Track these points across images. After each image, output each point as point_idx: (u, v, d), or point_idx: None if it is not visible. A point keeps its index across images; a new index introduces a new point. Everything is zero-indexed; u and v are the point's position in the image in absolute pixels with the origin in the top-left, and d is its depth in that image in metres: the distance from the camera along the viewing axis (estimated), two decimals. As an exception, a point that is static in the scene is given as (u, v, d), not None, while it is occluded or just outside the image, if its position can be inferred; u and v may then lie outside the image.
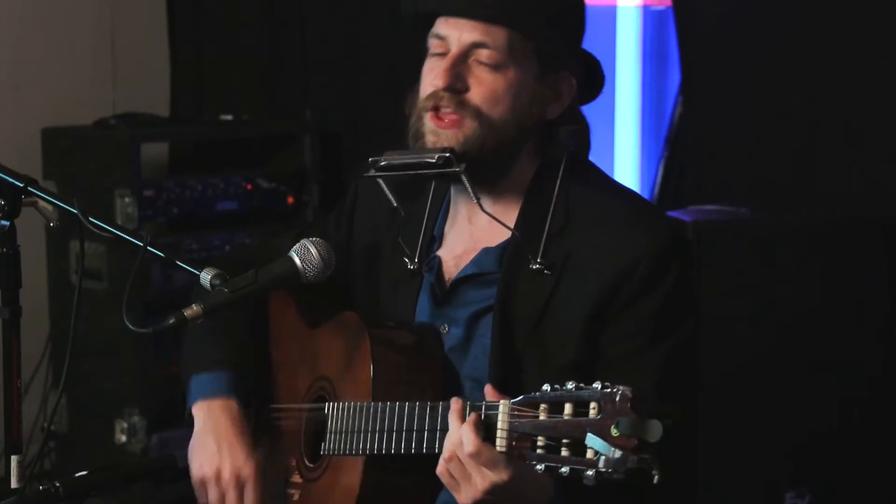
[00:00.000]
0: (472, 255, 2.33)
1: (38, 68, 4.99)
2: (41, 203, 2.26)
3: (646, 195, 4.28)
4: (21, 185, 2.22)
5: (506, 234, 2.28)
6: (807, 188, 3.96)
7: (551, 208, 2.26)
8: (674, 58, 4.23)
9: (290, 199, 4.87)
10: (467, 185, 2.23)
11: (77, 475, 2.24)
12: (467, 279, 2.32)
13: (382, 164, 2.29)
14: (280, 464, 2.43)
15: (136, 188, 4.50)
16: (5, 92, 4.91)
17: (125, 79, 5.22)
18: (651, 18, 4.29)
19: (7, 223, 2.21)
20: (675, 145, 4.24)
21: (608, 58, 4.26)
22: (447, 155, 2.20)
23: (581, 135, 2.35)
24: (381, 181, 2.32)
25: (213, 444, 2.35)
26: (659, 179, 4.26)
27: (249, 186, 4.80)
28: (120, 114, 4.90)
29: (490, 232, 2.30)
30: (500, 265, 2.28)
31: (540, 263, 2.23)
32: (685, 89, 4.20)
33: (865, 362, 3.57)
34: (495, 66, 2.23)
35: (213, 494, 2.34)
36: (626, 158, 4.29)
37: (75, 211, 2.22)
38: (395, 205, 2.35)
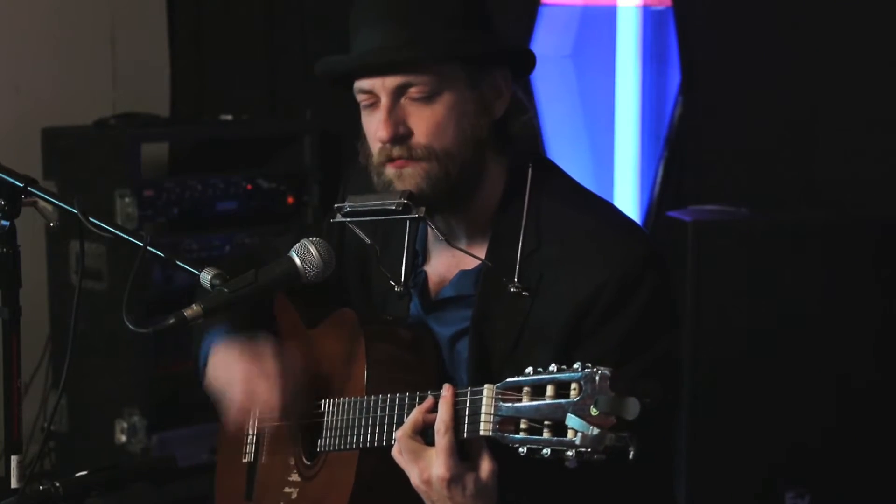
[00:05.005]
0: (452, 275, 2.33)
1: (38, 68, 5.00)
2: (41, 203, 2.26)
3: (646, 195, 4.28)
4: (21, 185, 2.23)
5: (482, 256, 2.27)
6: (807, 188, 3.97)
7: (521, 231, 2.25)
8: (674, 58, 4.23)
9: (290, 199, 4.88)
10: (431, 226, 2.24)
11: (77, 475, 2.25)
12: (447, 301, 2.33)
13: (347, 209, 2.29)
14: (279, 463, 2.44)
15: (136, 188, 4.51)
16: (5, 92, 4.92)
17: (125, 79, 5.22)
18: (651, 18, 4.29)
19: (7, 223, 2.22)
20: (675, 145, 4.24)
21: (608, 58, 4.26)
22: (405, 202, 2.19)
23: (531, 123, 2.34)
24: (351, 224, 2.33)
25: (225, 379, 2.34)
26: (659, 179, 4.26)
27: (249, 186, 4.80)
28: (120, 114, 4.90)
29: (466, 254, 2.29)
30: (476, 288, 2.28)
31: (517, 286, 2.22)
32: (685, 89, 4.20)
33: (865, 362, 3.57)
34: (429, 98, 2.19)
35: (243, 405, 2.32)
36: (626, 158, 4.28)
37: (75, 211, 2.22)
38: (369, 242, 2.36)
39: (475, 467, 2.04)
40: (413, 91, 2.19)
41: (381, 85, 2.20)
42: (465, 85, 2.22)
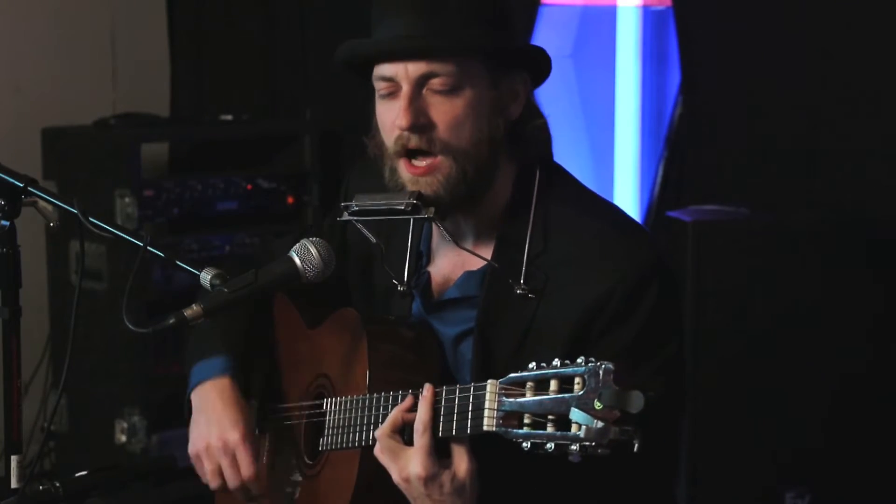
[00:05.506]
0: (456, 276, 2.33)
1: (38, 68, 5.00)
2: (41, 203, 2.26)
3: (646, 195, 4.29)
4: (21, 185, 2.23)
5: (488, 257, 2.27)
6: (807, 188, 3.97)
7: (528, 233, 2.24)
8: (674, 58, 4.24)
9: (290, 199, 4.88)
10: (439, 226, 2.24)
11: (77, 475, 2.25)
12: (450, 302, 2.32)
13: (354, 208, 2.28)
14: (281, 462, 2.44)
15: (136, 188, 4.51)
16: (5, 92, 4.92)
17: (125, 79, 5.22)
18: (651, 18, 4.29)
19: (7, 223, 2.21)
20: (675, 145, 4.24)
21: (608, 58, 4.26)
22: (414, 202, 2.19)
23: (543, 128, 2.34)
24: (358, 223, 2.32)
25: (203, 421, 2.38)
26: (659, 179, 4.26)
27: (249, 186, 4.81)
28: (120, 114, 4.90)
29: (473, 254, 2.29)
30: (481, 289, 2.28)
31: (523, 288, 2.22)
32: (685, 89, 4.20)
33: (865, 362, 3.58)
34: (450, 91, 2.19)
35: (206, 466, 2.38)
36: (626, 158, 4.28)
37: (75, 211, 2.22)
38: (374, 241, 2.36)
39: (453, 466, 2.06)
40: (435, 82, 2.18)
41: (405, 72, 2.19)
42: (485, 83, 2.21)
